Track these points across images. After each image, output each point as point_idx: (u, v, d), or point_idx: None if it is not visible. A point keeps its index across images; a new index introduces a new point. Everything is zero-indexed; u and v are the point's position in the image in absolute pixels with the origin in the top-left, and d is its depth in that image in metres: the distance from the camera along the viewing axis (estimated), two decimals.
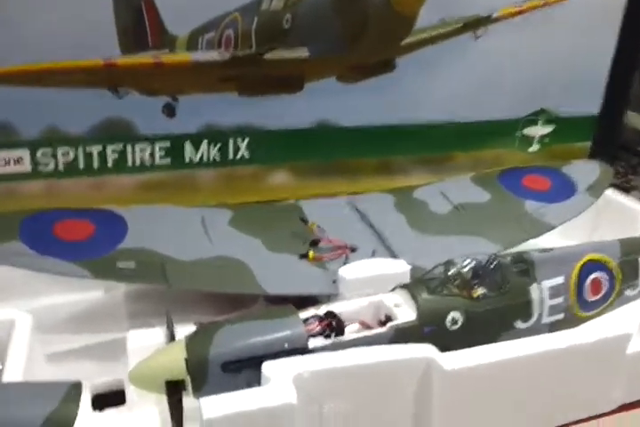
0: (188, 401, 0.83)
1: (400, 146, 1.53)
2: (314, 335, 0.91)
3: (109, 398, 0.98)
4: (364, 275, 1.12)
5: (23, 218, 1.14)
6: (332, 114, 1.56)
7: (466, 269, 0.99)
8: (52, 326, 1.18)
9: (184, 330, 0.90)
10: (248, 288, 1.11)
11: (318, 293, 1.12)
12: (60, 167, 1.43)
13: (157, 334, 0.97)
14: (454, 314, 0.97)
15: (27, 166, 1.41)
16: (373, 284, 1.07)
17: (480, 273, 0.98)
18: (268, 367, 0.85)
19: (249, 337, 0.89)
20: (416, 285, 1.00)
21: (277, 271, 1.17)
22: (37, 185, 1.43)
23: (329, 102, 1.54)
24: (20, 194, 1.45)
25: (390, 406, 0.89)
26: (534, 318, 0.99)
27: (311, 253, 1.24)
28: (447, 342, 0.93)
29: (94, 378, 1.01)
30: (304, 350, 0.88)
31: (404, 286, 1.01)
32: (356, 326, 0.97)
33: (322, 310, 0.96)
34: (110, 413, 0.87)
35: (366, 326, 0.97)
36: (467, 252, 1.03)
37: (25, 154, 1.43)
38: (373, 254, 1.22)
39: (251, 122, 1.39)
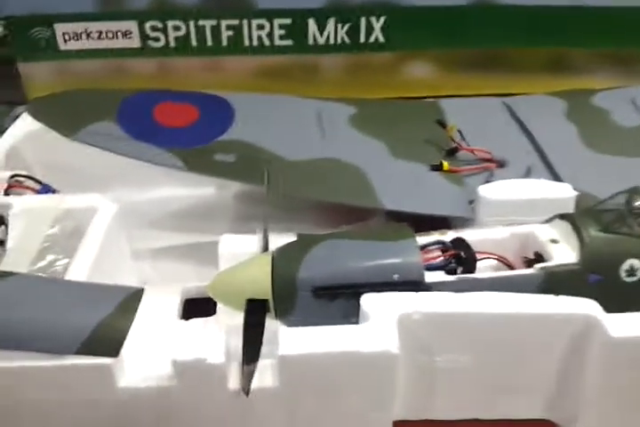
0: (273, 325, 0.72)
1: (580, 35, 1.33)
2: (434, 268, 0.77)
3: (200, 305, 0.88)
4: (511, 197, 0.94)
5: (124, 97, 1.05)
6: None
7: None
8: (150, 221, 1.13)
9: (283, 240, 0.79)
10: (362, 200, 0.96)
11: (449, 214, 0.97)
12: (172, 43, 1.32)
13: (252, 241, 0.85)
14: (634, 262, 0.77)
15: (135, 41, 1.31)
16: (523, 210, 0.91)
17: None
18: (368, 301, 0.72)
19: (349, 260, 0.75)
20: (583, 216, 0.81)
21: (401, 183, 1.02)
22: (147, 64, 1.34)
23: None
24: (128, 72, 1.36)
25: (527, 370, 0.75)
26: None
27: (446, 164, 1.06)
28: (618, 298, 0.76)
29: (187, 281, 0.97)
30: (419, 285, 0.74)
31: (566, 217, 0.82)
32: (491, 262, 0.82)
33: (449, 236, 0.81)
34: (196, 322, 0.74)
35: (507, 264, 0.82)
36: None
37: (133, 27, 1.31)
38: (528, 173, 1.04)
39: None
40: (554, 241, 0.81)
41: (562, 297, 0.75)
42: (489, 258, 0.82)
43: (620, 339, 0.72)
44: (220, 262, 0.86)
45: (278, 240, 0.79)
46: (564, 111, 1.18)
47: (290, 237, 0.81)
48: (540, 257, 0.81)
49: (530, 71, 1.29)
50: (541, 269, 0.77)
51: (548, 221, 0.85)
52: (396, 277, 0.74)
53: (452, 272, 0.79)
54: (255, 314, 0.72)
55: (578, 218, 0.81)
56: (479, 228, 0.86)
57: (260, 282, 0.73)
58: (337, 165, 1.01)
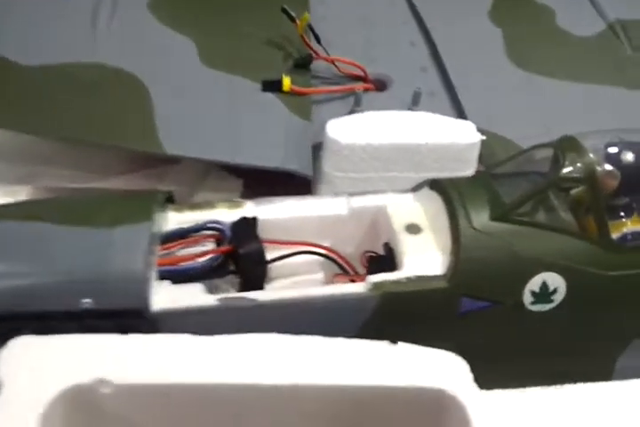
0: None
1: None
2: (191, 274, 0.50)
3: None
4: (374, 140, 0.66)
5: None
6: None
7: (605, 166, 0.50)
8: None
9: None
10: (139, 142, 0.68)
11: (273, 166, 0.68)
12: None
13: None
14: (549, 277, 0.50)
15: None
16: (392, 163, 0.66)
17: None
18: (12, 357, 0.43)
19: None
20: (469, 187, 0.54)
21: (204, 112, 0.72)
22: None
23: None
24: None
25: None
26: None
27: (287, 81, 0.74)
28: (516, 342, 0.52)
29: None
30: (136, 317, 0.47)
31: (438, 187, 0.55)
32: (315, 260, 0.56)
33: (245, 210, 0.55)
34: None
35: (338, 264, 0.55)
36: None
37: None
38: (416, 100, 0.75)
39: None
40: (413, 228, 0.53)
41: (398, 347, 0.45)
42: (304, 253, 0.55)
43: None
44: None
45: None
46: (487, 8, 0.90)
47: None
48: (390, 253, 0.54)
49: None
50: (375, 286, 0.50)
51: (415, 189, 0.59)
52: (86, 302, 0.47)
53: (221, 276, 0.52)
54: None
55: (456, 189, 0.53)
56: (301, 199, 0.58)
57: None
58: (102, 72, 0.72)
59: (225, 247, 0.51)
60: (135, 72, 0.72)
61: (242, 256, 0.50)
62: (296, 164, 0.67)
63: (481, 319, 0.50)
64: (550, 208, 0.52)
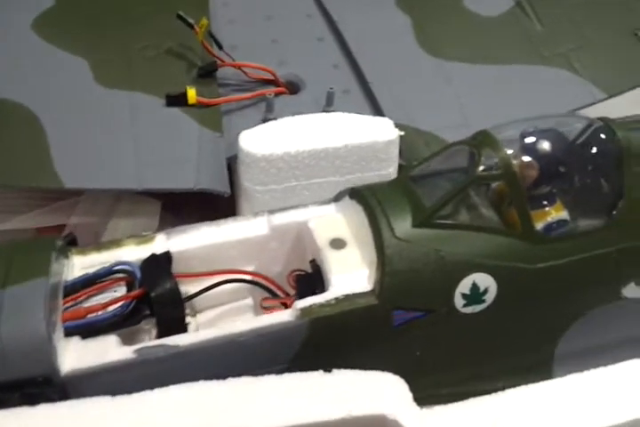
0: None
1: None
2: (102, 325, 0.46)
3: None
4: (291, 148, 0.62)
5: None
6: None
7: (526, 158, 0.49)
8: None
9: None
10: (40, 178, 0.63)
11: (183, 187, 0.63)
12: None
13: None
14: (478, 277, 0.48)
15: None
16: (311, 170, 0.62)
17: (559, 168, 0.51)
18: None
19: None
20: (388, 194, 0.52)
21: (111, 134, 0.66)
22: None
23: None
24: None
25: None
26: None
27: (192, 93, 0.69)
28: (452, 343, 0.50)
29: None
30: (41, 385, 0.42)
31: (357, 196, 0.53)
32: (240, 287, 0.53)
33: (156, 243, 0.51)
34: None
35: (266, 288, 0.53)
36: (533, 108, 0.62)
37: None
38: (330, 100, 0.71)
39: None
40: (337, 243, 0.51)
41: (333, 376, 0.42)
42: (226, 282, 0.51)
43: None
44: None
45: None
46: None
47: None
48: (317, 270, 0.51)
49: None
50: (303, 313, 0.46)
51: (336, 199, 0.56)
52: None
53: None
54: None
55: (376, 198, 0.50)
56: (217, 224, 0.54)
57: None
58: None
59: (135, 292, 0.47)
60: (23, 101, 0.66)
61: (154, 299, 0.46)
62: (211, 182, 0.63)
63: (416, 329, 0.48)
64: (472, 206, 0.50)
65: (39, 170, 0.61)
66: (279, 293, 0.53)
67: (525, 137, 0.50)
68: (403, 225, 0.47)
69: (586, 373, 0.49)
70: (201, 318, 0.54)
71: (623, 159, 0.51)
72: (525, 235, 0.49)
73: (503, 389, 0.53)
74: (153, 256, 0.49)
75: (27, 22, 0.74)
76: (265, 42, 0.79)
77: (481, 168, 0.48)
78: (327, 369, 0.42)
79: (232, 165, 0.68)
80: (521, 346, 0.53)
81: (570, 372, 0.55)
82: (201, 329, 0.53)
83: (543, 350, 0.55)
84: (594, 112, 0.75)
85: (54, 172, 0.61)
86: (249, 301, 0.55)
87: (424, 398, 0.45)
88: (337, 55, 0.78)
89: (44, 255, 0.46)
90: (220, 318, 0.54)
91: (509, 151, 0.49)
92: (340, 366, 0.46)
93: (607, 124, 0.52)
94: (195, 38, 0.72)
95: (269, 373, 0.44)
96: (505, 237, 0.49)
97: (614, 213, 0.51)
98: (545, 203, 0.51)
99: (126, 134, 0.66)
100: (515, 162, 0.48)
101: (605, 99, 0.74)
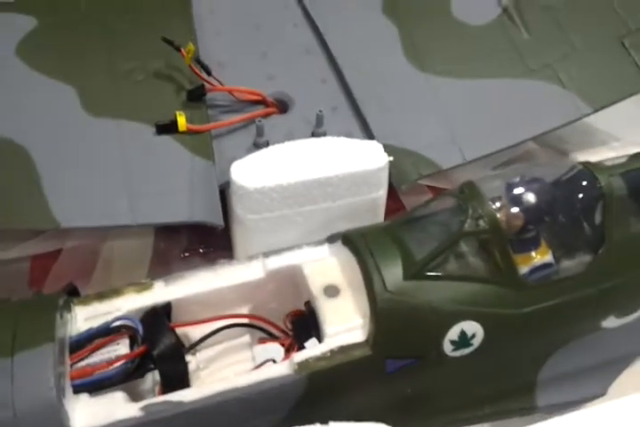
0: None
1: None
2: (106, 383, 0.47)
3: None
4: (282, 180, 0.63)
5: None
6: None
7: (513, 209, 0.51)
8: None
9: None
10: (34, 219, 0.62)
11: (184, 220, 0.64)
12: None
13: None
14: (467, 325, 0.50)
15: None
16: (304, 199, 0.63)
17: (544, 217, 0.52)
18: None
19: None
20: (383, 244, 0.52)
21: (101, 167, 0.66)
22: None
23: None
24: None
25: None
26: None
27: (182, 120, 0.68)
28: (439, 385, 0.52)
29: None
30: None
31: (349, 242, 0.54)
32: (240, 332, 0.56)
33: (154, 293, 0.53)
34: None
35: (265, 330, 0.55)
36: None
37: None
38: (320, 122, 0.71)
39: None
40: (331, 290, 0.52)
41: None
42: (225, 328, 0.53)
43: None
44: None
45: None
46: (379, 3, 0.83)
47: None
48: (312, 312, 0.53)
49: None
50: (300, 367, 0.48)
51: (330, 240, 0.58)
52: None
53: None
54: None
55: (367, 247, 0.51)
56: (214, 269, 0.55)
57: None
58: None
59: (138, 350, 0.49)
60: (12, 136, 0.64)
61: (157, 357, 0.48)
62: (205, 213, 0.64)
63: (407, 374, 0.51)
64: (460, 255, 0.52)
65: (34, 211, 0.61)
66: (276, 332, 0.55)
67: (511, 188, 0.51)
68: (394, 278, 0.49)
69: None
70: (201, 356, 0.56)
71: (605, 204, 0.52)
72: (511, 282, 0.51)
73: (489, 414, 0.58)
74: (153, 310, 0.50)
75: (11, 47, 0.71)
76: (253, 57, 0.78)
77: (467, 224, 0.49)
78: (324, 421, 0.45)
79: (225, 190, 0.68)
80: (506, 375, 0.57)
81: (551, 395, 0.59)
82: (201, 367, 0.56)
83: (526, 376, 0.58)
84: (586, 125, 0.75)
85: (49, 212, 0.61)
86: (246, 338, 0.57)
87: None
88: (324, 69, 0.78)
89: (49, 317, 0.47)
90: (219, 356, 0.56)
91: (496, 204, 0.51)
92: (335, 411, 0.49)
93: (589, 169, 0.53)
94: (182, 60, 0.70)
95: (268, 422, 0.47)
96: (492, 284, 0.51)
97: (596, 255, 0.53)
98: (530, 247, 0.53)
99: (117, 165, 0.66)
100: (500, 216, 0.50)
101: (590, 113, 0.74)
